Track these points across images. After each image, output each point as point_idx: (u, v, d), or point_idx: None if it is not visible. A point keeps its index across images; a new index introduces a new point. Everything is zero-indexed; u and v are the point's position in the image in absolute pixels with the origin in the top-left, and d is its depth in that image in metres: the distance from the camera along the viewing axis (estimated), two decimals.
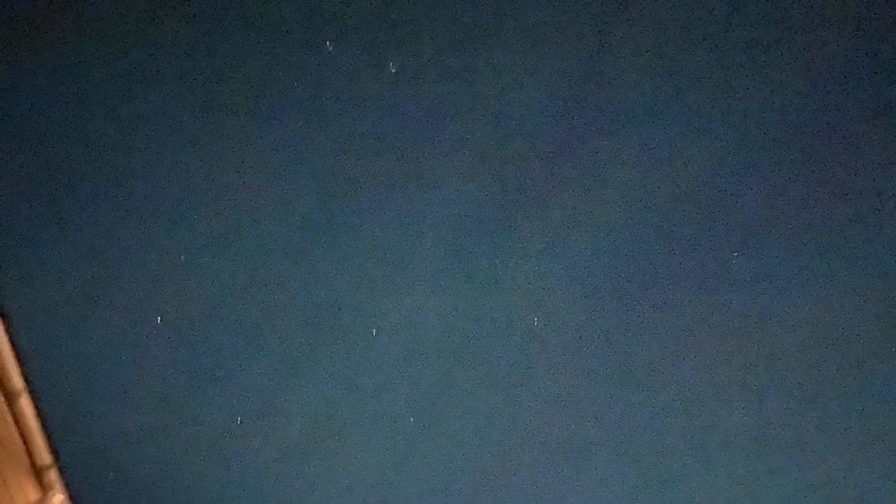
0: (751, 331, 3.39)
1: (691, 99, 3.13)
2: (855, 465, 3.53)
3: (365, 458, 3.87)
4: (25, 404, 3.30)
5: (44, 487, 3.51)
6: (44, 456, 3.43)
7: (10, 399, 3.26)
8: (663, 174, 3.23)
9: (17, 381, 3.24)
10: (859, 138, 3.11)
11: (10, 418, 3.29)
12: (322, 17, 3.05)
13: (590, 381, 3.54)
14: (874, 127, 3.09)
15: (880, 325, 3.34)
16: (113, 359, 3.53)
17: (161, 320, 3.46)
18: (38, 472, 3.47)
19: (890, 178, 3.16)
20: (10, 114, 3.14)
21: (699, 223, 3.31)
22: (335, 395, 3.67)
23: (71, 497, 3.68)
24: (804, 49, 3.01)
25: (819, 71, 3.03)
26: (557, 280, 3.41)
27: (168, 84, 3.15)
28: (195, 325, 3.49)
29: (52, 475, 3.51)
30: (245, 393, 3.63)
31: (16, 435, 3.34)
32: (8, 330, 3.20)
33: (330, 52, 3.09)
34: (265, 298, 3.46)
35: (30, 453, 3.41)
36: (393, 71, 3.10)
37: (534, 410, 3.65)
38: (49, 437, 3.42)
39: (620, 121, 3.18)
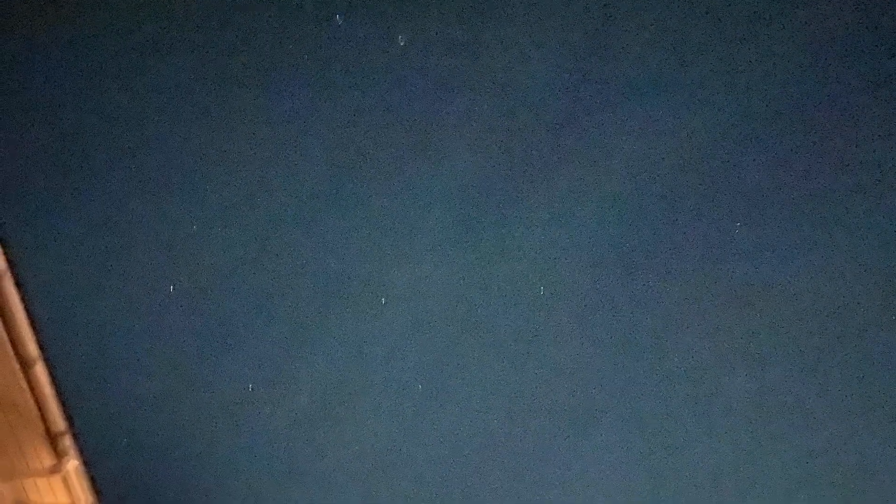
0: (753, 299, 3.44)
1: (695, 72, 3.18)
2: (856, 431, 3.59)
3: (374, 425, 3.92)
4: (40, 372, 3.34)
5: (58, 453, 3.56)
6: (58, 422, 3.47)
7: (26, 366, 3.30)
8: (667, 145, 3.28)
9: (32, 348, 3.28)
10: (860, 110, 3.16)
11: (25, 385, 3.34)
12: None
13: (595, 349, 3.60)
14: (875, 99, 3.14)
15: (881, 294, 3.39)
16: (126, 327, 3.58)
17: (173, 289, 3.51)
18: (52, 439, 3.52)
19: (890, 150, 3.21)
20: (26, 86, 3.19)
21: (702, 193, 3.36)
22: (344, 362, 3.73)
23: (85, 463, 3.73)
24: (805, 22, 3.06)
25: (820, 44, 3.08)
26: (563, 250, 3.46)
27: (180, 57, 3.20)
28: (207, 294, 3.54)
29: (67, 441, 3.55)
30: (256, 361, 3.69)
31: (31, 402, 3.39)
32: (23, 299, 3.24)
33: (339, 26, 3.14)
34: (276, 268, 3.52)
35: (44, 420, 3.45)
36: (402, 44, 3.15)
37: (540, 378, 3.70)
38: (63, 404, 3.46)
39: (625, 93, 3.23)
